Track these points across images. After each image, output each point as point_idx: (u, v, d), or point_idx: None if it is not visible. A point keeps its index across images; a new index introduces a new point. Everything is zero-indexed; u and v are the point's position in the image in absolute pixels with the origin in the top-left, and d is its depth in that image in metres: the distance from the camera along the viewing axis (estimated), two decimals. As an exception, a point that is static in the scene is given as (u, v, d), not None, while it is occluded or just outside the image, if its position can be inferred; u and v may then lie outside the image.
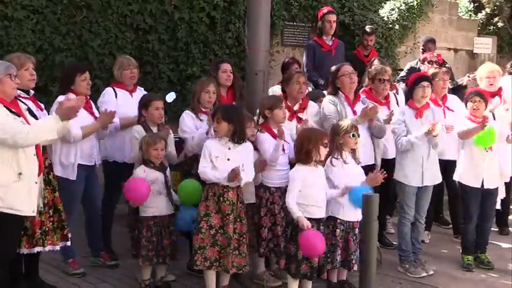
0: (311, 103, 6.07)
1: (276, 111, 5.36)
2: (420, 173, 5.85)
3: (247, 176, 4.94)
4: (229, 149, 4.91)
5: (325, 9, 8.08)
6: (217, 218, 4.86)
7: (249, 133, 5.15)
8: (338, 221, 5.18)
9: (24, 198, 4.29)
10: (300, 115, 5.76)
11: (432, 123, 5.59)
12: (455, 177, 6.20)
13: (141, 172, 5.13)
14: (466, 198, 6.14)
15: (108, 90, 5.99)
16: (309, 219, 4.84)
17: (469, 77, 7.77)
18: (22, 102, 4.70)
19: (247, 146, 5.04)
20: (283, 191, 5.21)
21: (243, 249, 4.92)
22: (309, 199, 4.88)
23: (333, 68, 6.07)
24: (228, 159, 4.88)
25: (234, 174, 4.78)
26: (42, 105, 5.19)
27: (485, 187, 6.02)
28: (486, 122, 5.69)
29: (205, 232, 4.84)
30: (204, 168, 4.88)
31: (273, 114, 5.37)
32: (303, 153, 4.90)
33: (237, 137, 4.90)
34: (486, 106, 6.03)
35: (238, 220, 4.92)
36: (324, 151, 4.94)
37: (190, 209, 5.09)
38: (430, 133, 5.58)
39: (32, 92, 5.12)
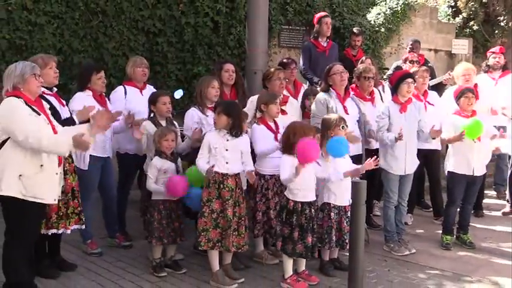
0: (291, 98, 6.13)
1: (271, 106, 5.35)
2: (403, 163, 5.85)
3: (248, 165, 4.96)
4: (228, 140, 4.91)
5: (322, 13, 8.06)
6: (218, 203, 4.86)
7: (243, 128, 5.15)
8: (331, 205, 5.18)
9: (46, 188, 4.29)
10: (283, 107, 5.72)
11: (399, 133, 5.55)
12: (449, 168, 6.15)
13: (158, 162, 5.12)
14: (453, 183, 6.11)
15: (119, 89, 5.98)
16: (302, 202, 4.85)
17: (450, 74, 7.73)
18: (46, 99, 4.71)
19: (245, 138, 5.03)
20: (276, 178, 5.22)
21: (242, 230, 4.94)
22: (300, 184, 4.85)
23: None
24: (226, 150, 4.88)
25: (210, 171, 4.80)
26: (64, 102, 5.18)
27: (474, 174, 6.02)
28: (463, 136, 5.69)
29: (207, 216, 4.85)
30: (199, 159, 4.90)
31: (268, 109, 5.36)
32: (289, 145, 4.88)
33: (235, 130, 4.90)
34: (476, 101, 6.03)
35: (237, 204, 4.93)
36: None
37: (198, 190, 5.08)
38: (399, 139, 5.57)
39: (55, 89, 5.12)
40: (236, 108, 5.05)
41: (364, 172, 5.24)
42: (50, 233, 4.86)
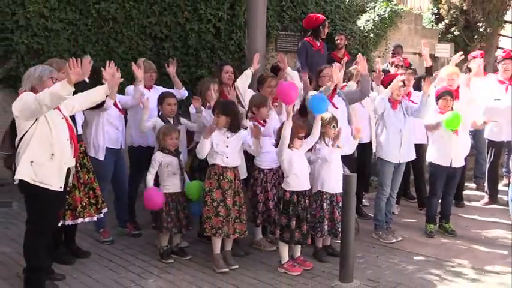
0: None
1: (261, 109, 5.40)
2: (398, 152, 5.85)
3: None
4: (228, 137, 4.94)
5: (322, 17, 8.02)
6: (218, 193, 4.89)
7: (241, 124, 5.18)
8: (324, 196, 5.19)
9: (54, 176, 4.27)
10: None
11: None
12: (429, 158, 6.18)
13: (160, 156, 5.13)
14: (434, 176, 6.13)
15: (130, 87, 5.98)
16: (298, 193, 4.88)
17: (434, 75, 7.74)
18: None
19: (243, 132, 5.07)
20: (274, 171, 5.28)
21: (243, 217, 4.98)
22: (293, 173, 4.88)
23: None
24: (227, 146, 4.92)
25: (209, 129, 4.83)
26: None
27: (452, 166, 6.03)
28: (439, 126, 5.77)
29: (209, 204, 4.89)
30: (201, 146, 4.90)
31: (259, 111, 5.40)
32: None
33: (234, 127, 4.95)
34: (453, 102, 6.04)
35: (237, 194, 4.97)
36: (298, 142, 4.94)
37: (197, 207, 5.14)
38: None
39: None
40: (233, 107, 5.10)
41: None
42: (79, 222, 4.94)
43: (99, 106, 5.01)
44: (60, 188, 4.37)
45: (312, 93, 5.63)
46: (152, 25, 8.21)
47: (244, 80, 5.97)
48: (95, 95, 4.51)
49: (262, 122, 5.43)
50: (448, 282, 4.85)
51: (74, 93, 4.19)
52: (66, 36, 7.61)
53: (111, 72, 4.66)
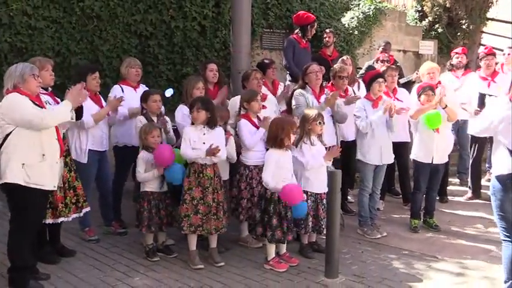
0: (269, 95, 6.14)
1: (252, 103, 5.37)
2: (379, 154, 5.89)
3: (222, 153, 4.94)
4: (204, 134, 4.91)
5: (312, 16, 8.01)
6: (197, 191, 4.88)
7: (220, 122, 5.16)
8: (308, 193, 5.18)
9: (47, 176, 4.29)
10: (263, 103, 5.69)
11: (388, 103, 5.65)
12: (412, 156, 6.22)
13: (144, 155, 5.10)
14: (418, 173, 6.17)
15: (116, 87, 5.93)
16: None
17: (417, 73, 7.79)
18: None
19: (220, 130, 5.04)
20: (260, 168, 5.22)
21: (220, 214, 4.95)
22: (279, 177, 4.87)
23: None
24: (204, 143, 4.88)
25: (212, 150, 4.79)
26: (59, 100, 5.10)
27: (434, 163, 6.06)
28: (424, 111, 5.81)
29: (189, 203, 4.87)
30: (185, 150, 4.88)
31: (250, 106, 5.38)
32: (278, 140, 4.88)
33: (212, 123, 4.93)
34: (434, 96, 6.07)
35: (216, 191, 4.94)
36: (293, 137, 4.95)
37: (178, 165, 5.06)
38: (387, 111, 5.64)
39: (49, 88, 5.05)
40: (211, 103, 5.10)
41: (338, 157, 5.32)
42: (59, 221, 4.88)
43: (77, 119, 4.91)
44: (54, 186, 4.40)
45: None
46: (137, 23, 8.14)
47: None
48: (63, 115, 4.36)
49: (254, 117, 5.42)
50: (432, 276, 4.88)
51: None
52: (50, 34, 7.50)
53: (75, 94, 4.46)
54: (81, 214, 5.12)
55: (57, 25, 7.59)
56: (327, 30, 8.49)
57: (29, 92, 4.26)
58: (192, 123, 4.99)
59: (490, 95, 6.33)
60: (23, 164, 4.15)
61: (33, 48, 7.31)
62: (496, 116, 4.06)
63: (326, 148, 5.34)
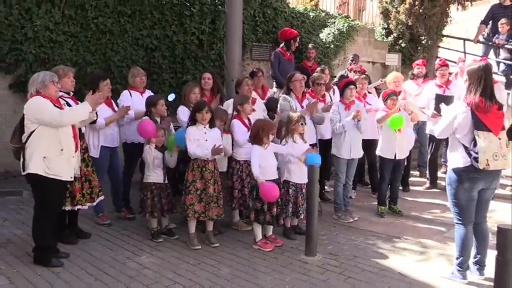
0: (258, 99, 6.12)
1: (245, 106, 5.34)
2: (349, 150, 5.91)
3: (228, 151, 4.96)
4: (205, 133, 4.90)
5: (295, 32, 8.00)
6: (200, 183, 4.86)
7: (220, 122, 5.15)
8: (290, 183, 5.19)
9: (65, 168, 4.29)
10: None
11: (357, 109, 5.69)
12: (377, 152, 6.23)
13: (148, 150, 5.05)
14: (383, 167, 6.19)
15: (125, 93, 5.88)
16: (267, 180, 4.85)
17: (381, 80, 7.85)
18: (65, 101, 4.66)
19: (217, 130, 5.04)
20: (248, 162, 5.18)
21: (220, 202, 4.94)
22: (264, 167, 4.88)
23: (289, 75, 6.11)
24: (206, 140, 4.87)
25: (216, 149, 4.79)
26: (79, 102, 5.07)
27: (396, 158, 6.09)
28: (388, 116, 5.84)
29: (193, 193, 4.85)
30: (193, 150, 4.84)
31: (243, 108, 5.35)
32: (258, 138, 4.89)
33: (212, 123, 4.95)
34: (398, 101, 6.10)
35: (216, 183, 4.93)
36: (271, 137, 4.94)
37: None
38: (356, 117, 5.66)
39: (71, 93, 5.01)
40: (211, 107, 5.09)
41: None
42: (76, 209, 4.86)
43: (93, 123, 4.98)
44: (71, 177, 4.39)
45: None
46: (144, 37, 8.10)
47: None
48: (80, 115, 4.38)
49: (245, 118, 5.40)
50: (396, 254, 4.90)
51: None
52: (69, 46, 7.47)
53: (95, 98, 4.48)
54: (95, 203, 5.08)
55: (75, 39, 7.55)
56: (310, 46, 8.48)
57: (49, 96, 4.23)
58: (193, 124, 4.95)
59: (444, 95, 6.39)
60: (44, 157, 4.15)
61: (54, 59, 7.27)
62: (454, 118, 4.05)
63: (311, 145, 5.36)
